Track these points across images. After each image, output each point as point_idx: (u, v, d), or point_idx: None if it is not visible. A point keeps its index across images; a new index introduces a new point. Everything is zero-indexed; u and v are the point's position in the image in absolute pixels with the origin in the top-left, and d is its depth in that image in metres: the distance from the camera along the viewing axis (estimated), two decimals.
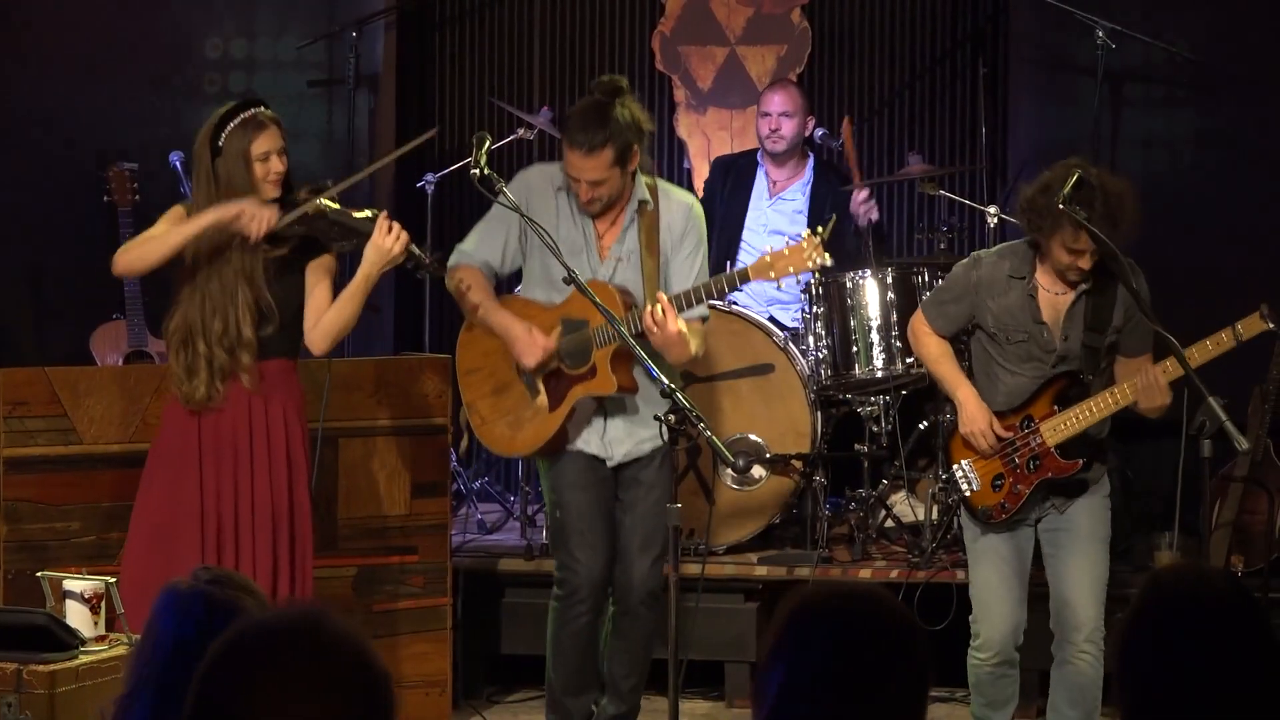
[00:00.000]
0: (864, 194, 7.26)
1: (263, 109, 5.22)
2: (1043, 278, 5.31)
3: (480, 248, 5.56)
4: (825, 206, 7.38)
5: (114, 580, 4.75)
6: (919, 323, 5.53)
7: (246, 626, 2.15)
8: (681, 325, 5.22)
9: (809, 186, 7.42)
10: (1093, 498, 5.38)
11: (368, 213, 5.22)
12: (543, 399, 5.47)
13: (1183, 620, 2.47)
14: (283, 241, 5.19)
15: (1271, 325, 5.14)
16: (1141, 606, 2.54)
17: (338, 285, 5.30)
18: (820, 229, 5.23)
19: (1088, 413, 5.26)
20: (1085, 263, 5.18)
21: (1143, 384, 5.18)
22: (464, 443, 6.07)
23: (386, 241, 5.15)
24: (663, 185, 5.58)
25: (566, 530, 5.52)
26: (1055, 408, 5.31)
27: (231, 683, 2.08)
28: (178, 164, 7.49)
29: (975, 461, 5.40)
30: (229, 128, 5.15)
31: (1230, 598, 2.50)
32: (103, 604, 4.74)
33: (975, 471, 5.40)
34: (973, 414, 5.34)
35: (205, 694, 2.10)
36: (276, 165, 5.18)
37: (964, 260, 5.50)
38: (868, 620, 2.29)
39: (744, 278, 5.31)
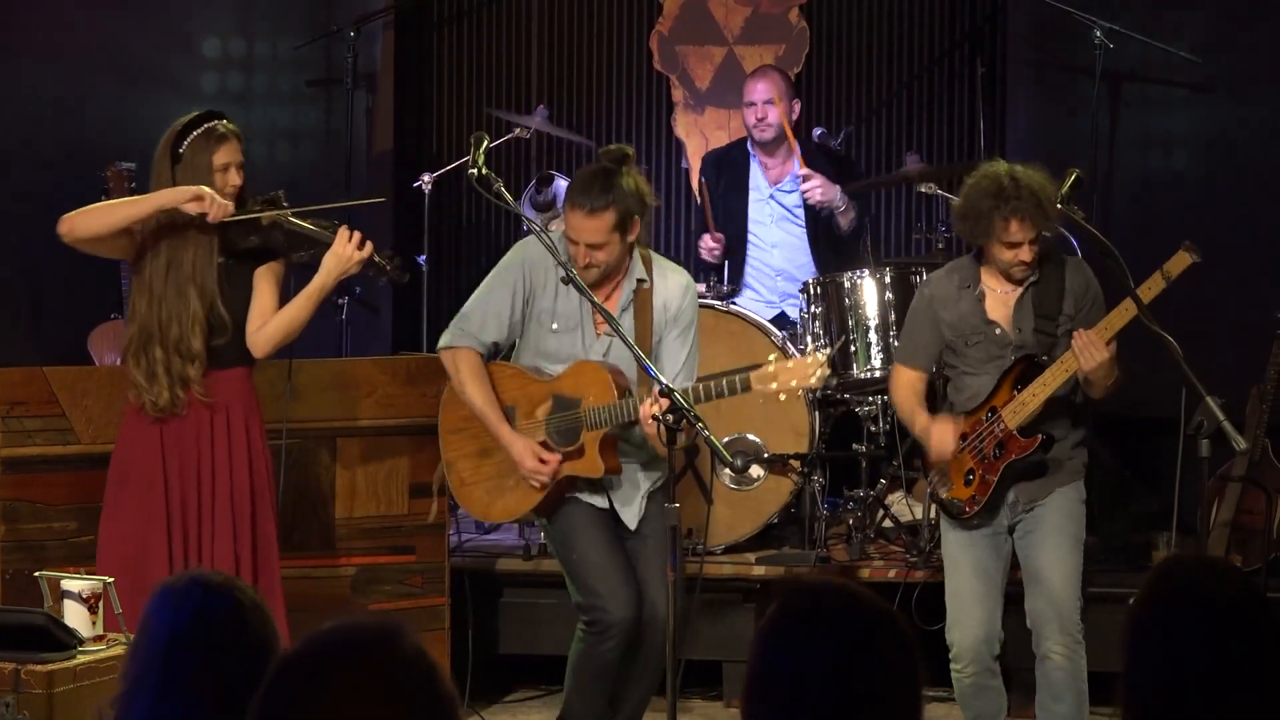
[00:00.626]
0: (811, 180, 7.24)
1: (224, 121, 5.25)
2: (989, 281, 5.43)
3: (486, 325, 5.41)
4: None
5: (112, 580, 4.75)
6: (894, 374, 5.65)
7: (318, 636, 2.15)
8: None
9: (799, 181, 7.40)
10: (1064, 497, 5.42)
11: (325, 223, 5.25)
12: None
13: (1190, 616, 2.45)
14: (236, 251, 5.23)
15: (1197, 258, 5.16)
16: (1148, 601, 2.52)
17: (289, 294, 5.31)
18: (829, 347, 5.21)
19: (1041, 387, 5.31)
20: (1026, 254, 5.28)
21: (1079, 344, 5.21)
22: (434, 507, 6.07)
23: (348, 250, 5.18)
24: (658, 260, 5.49)
25: (586, 570, 5.36)
26: (1015, 392, 5.36)
27: (299, 692, 2.09)
28: None
29: (949, 464, 5.47)
30: (191, 137, 5.19)
31: (1239, 594, 2.49)
32: (100, 604, 4.73)
33: (949, 472, 5.47)
34: (937, 442, 5.44)
35: (270, 703, 2.11)
36: (234, 178, 5.20)
37: (915, 294, 5.67)
38: (853, 618, 2.28)
39: (745, 386, 5.09)
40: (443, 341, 5.47)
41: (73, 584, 4.75)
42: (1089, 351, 5.20)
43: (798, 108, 7.45)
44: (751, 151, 7.42)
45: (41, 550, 5.66)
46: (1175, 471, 6.37)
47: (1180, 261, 5.19)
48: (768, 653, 2.28)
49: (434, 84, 8.61)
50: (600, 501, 5.41)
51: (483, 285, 5.47)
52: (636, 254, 5.40)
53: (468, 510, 5.67)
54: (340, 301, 7.59)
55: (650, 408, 4.95)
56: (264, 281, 5.26)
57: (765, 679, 2.26)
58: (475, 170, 5.21)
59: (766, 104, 7.28)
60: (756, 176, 7.41)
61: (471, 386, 5.39)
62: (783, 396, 5.09)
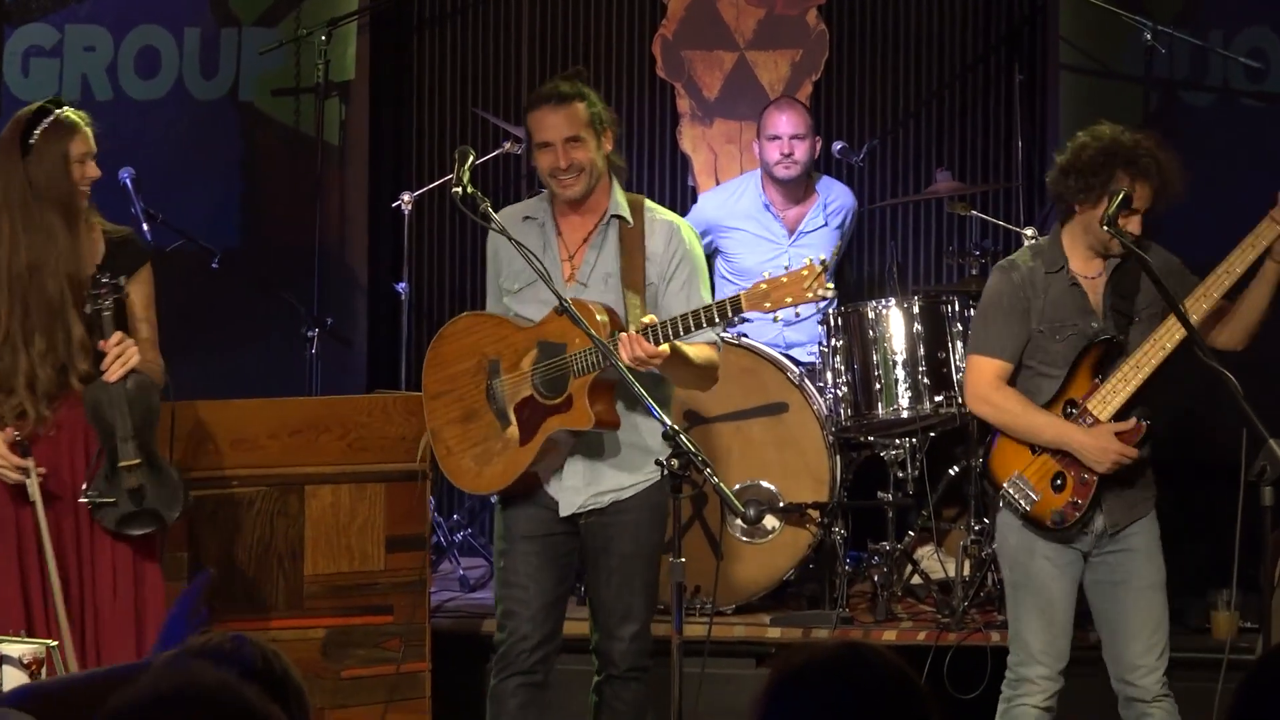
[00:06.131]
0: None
1: (68, 110, 5.34)
2: (1074, 265, 5.33)
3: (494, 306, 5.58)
4: (849, 217, 7.45)
5: (56, 644, 4.73)
6: (979, 373, 5.38)
7: (147, 683, 2.21)
8: (664, 347, 5.11)
9: (829, 201, 7.41)
10: (1146, 542, 5.35)
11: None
12: (513, 430, 5.37)
13: None
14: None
15: None
16: (1253, 686, 2.52)
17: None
18: (823, 258, 5.14)
19: (1134, 370, 5.21)
20: (1136, 226, 5.19)
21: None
22: (424, 486, 6.08)
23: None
24: (647, 203, 5.50)
25: (506, 584, 5.44)
26: (1096, 380, 5.25)
27: None
28: (128, 181, 7.49)
29: (1027, 469, 5.30)
30: (41, 126, 5.27)
31: None
32: (43, 670, 4.72)
33: (1030, 480, 5.30)
34: (1092, 447, 5.24)
35: None
36: (92, 170, 5.33)
37: (992, 275, 5.45)
38: (859, 677, 2.28)
39: (736, 307, 5.13)
40: None
41: (12, 648, 4.72)
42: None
43: (818, 145, 7.51)
44: (764, 196, 7.43)
45: None
46: (1235, 522, 6.35)
47: None
48: (769, 715, 2.24)
49: (414, 93, 8.61)
50: (555, 491, 5.39)
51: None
52: (616, 190, 5.45)
53: (455, 482, 5.60)
54: (310, 334, 7.58)
55: (628, 344, 5.04)
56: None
57: None
58: (459, 189, 5.20)
59: (794, 139, 7.31)
60: (771, 226, 7.41)
61: None
62: (778, 317, 5.10)
